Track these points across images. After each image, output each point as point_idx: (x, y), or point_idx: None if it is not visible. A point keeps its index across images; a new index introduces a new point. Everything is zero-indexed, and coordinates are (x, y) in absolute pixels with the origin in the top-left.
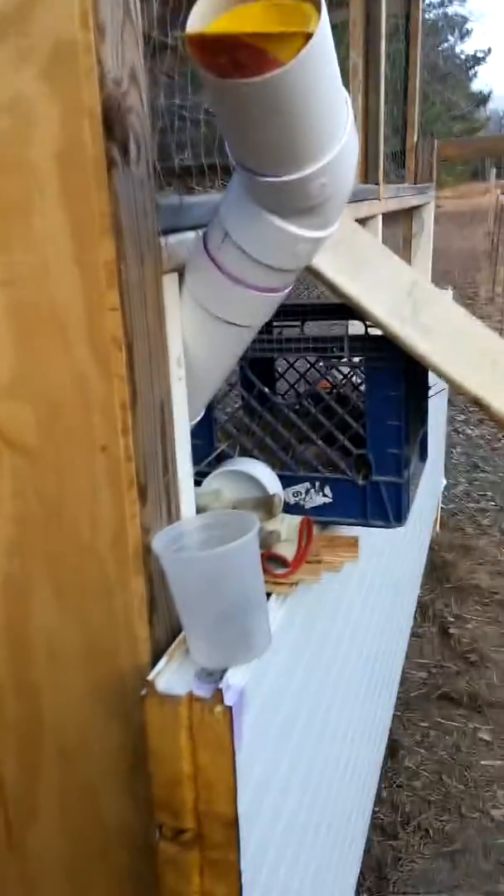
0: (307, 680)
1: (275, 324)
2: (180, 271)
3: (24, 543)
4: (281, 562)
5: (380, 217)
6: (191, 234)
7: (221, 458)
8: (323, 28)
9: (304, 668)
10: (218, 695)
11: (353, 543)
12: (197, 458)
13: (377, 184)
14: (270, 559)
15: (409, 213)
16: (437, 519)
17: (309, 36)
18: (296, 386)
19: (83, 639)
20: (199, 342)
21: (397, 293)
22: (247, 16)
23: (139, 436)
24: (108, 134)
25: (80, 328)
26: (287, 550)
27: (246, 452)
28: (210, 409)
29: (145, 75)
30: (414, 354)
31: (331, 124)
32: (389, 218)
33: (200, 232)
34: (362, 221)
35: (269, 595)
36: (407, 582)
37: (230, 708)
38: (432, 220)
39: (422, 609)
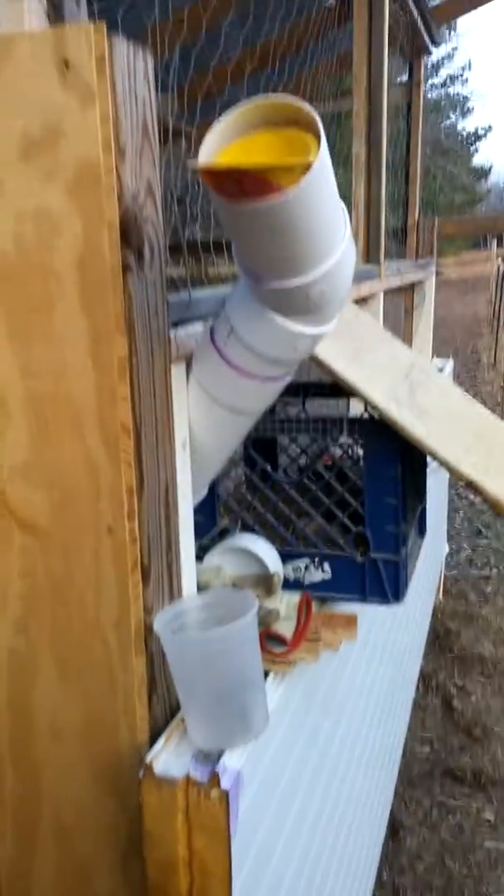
0: (305, 757)
1: (279, 400)
2: (188, 360)
3: (31, 621)
4: (279, 640)
5: (381, 294)
6: (198, 325)
7: (223, 533)
8: (322, 157)
9: (302, 745)
10: (214, 778)
11: (351, 621)
12: (199, 532)
13: (379, 263)
14: (269, 637)
15: (410, 286)
16: (439, 586)
17: (309, 165)
18: (297, 460)
19: (84, 716)
20: (205, 427)
21: (395, 376)
22: (254, 144)
23: (144, 519)
24: (124, 242)
25: (92, 417)
26: (286, 629)
27: (247, 527)
28: (213, 484)
29: (160, 187)
30: (409, 437)
31: (329, 237)
32: (392, 290)
33: (208, 323)
34: (365, 299)
35: (267, 674)
36: (409, 651)
37: (227, 792)
38: (433, 292)
39: (424, 679)
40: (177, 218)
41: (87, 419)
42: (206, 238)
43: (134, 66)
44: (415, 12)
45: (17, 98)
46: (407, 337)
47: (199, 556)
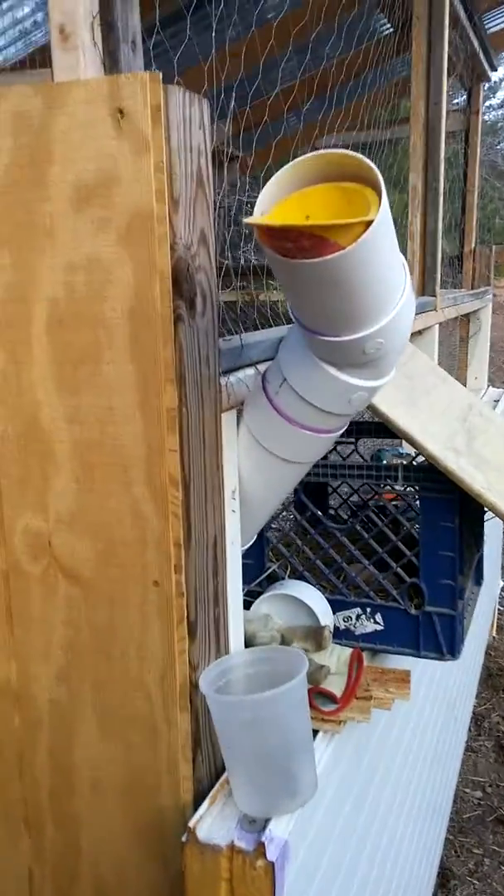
0: (353, 817)
1: None
2: (240, 406)
3: (73, 671)
4: (329, 698)
5: (436, 326)
6: (250, 371)
7: (272, 578)
8: (382, 214)
9: (351, 805)
10: (260, 848)
11: (404, 679)
12: (248, 577)
13: (434, 295)
14: (318, 695)
15: (466, 316)
16: (493, 623)
17: (368, 224)
18: (349, 502)
19: (125, 773)
20: (255, 476)
21: (452, 422)
22: (312, 197)
23: (191, 572)
24: (176, 292)
25: (140, 468)
26: (336, 685)
27: (297, 573)
28: (262, 530)
29: (215, 235)
30: (469, 490)
31: (388, 292)
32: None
33: (260, 370)
34: (420, 331)
35: (316, 733)
36: (461, 693)
37: (272, 863)
38: (489, 320)
39: (476, 721)
40: (228, 242)
41: (134, 469)
42: (260, 262)
43: (189, 114)
44: (474, 40)
45: (72, 147)
46: (462, 365)
47: (248, 603)
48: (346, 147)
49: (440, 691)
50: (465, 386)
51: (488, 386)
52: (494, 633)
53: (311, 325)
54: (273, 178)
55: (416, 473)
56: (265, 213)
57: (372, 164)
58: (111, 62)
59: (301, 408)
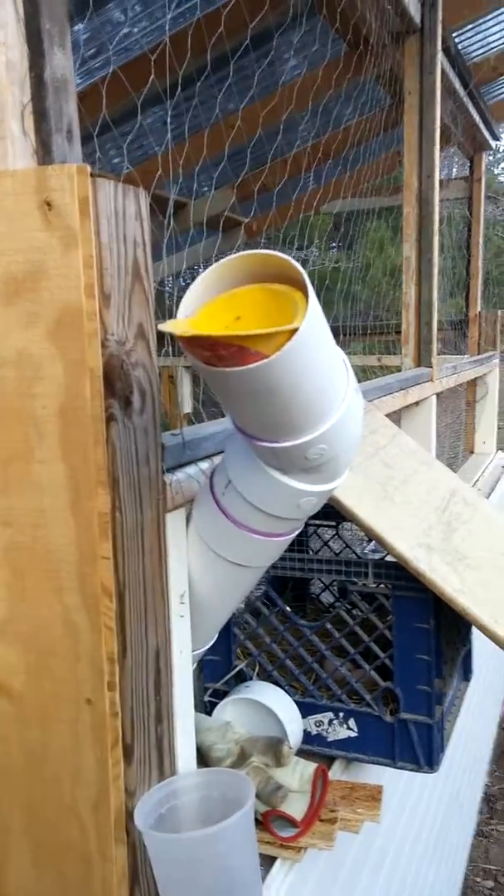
0: None
1: (309, 523)
2: (189, 504)
3: (3, 793)
4: (289, 821)
5: (433, 397)
6: (203, 465)
7: (240, 676)
8: (310, 318)
9: None
10: None
11: (374, 797)
12: (215, 674)
13: (430, 366)
14: (277, 818)
15: (472, 380)
16: None
17: (293, 332)
18: (332, 589)
19: None
20: (206, 579)
21: (429, 513)
22: (238, 299)
23: (128, 689)
24: (108, 391)
25: (71, 575)
26: (297, 805)
27: (265, 673)
28: (228, 624)
29: (154, 329)
30: (441, 595)
31: (326, 396)
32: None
33: (209, 466)
34: (416, 403)
35: (273, 860)
36: (469, 772)
37: None
38: (497, 384)
39: (489, 802)
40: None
41: (65, 577)
42: None
43: (123, 206)
44: (473, 112)
45: (1, 238)
46: (469, 430)
47: (213, 703)
48: (351, 212)
49: (440, 778)
50: (472, 450)
51: (497, 451)
52: None
53: (247, 430)
54: (199, 279)
55: (388, 570)
56: (190, 315)
57: (297, 266)
58: (44, 152)
59: (248, 511)
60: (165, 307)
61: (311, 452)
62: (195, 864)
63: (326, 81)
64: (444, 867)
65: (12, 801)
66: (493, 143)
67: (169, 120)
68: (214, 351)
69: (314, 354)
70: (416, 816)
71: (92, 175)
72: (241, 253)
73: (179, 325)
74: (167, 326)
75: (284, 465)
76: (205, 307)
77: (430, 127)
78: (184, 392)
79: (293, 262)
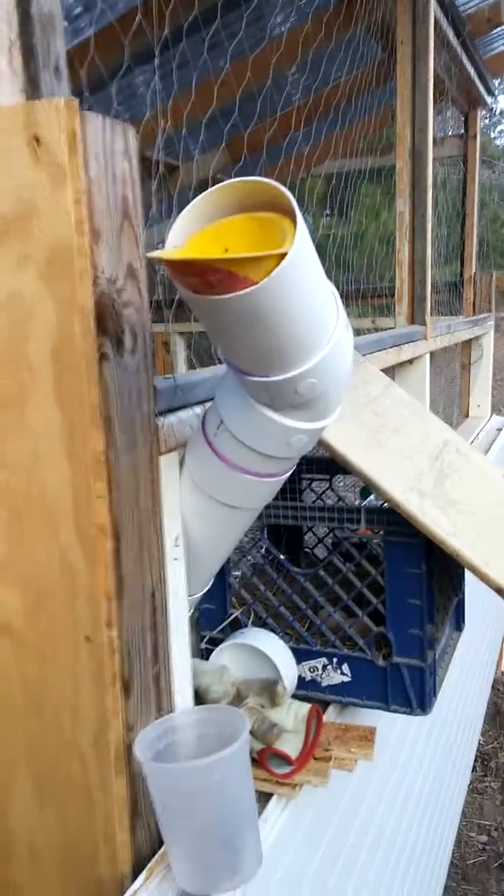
0: (322, 881)
1: (304, 476)
2: (182, 449)
3: (5, 731)
4: (284, 759)
5: (427, 356)
6: (196, 410)
7: (235, 624)
8: (299, 245)
9: (313, 878)
10: None
11: (367, 737)
12: (210, 622)
13: (424, 324)
14: (272, 756)
15: (467, 342)
16: (501, 655)
17: (282, 256)
18: (326, 542)
19: (63, 840)
20: (200, 522)
21: (421, 461)
22: (226, 229)
23: (125, 627)
24: (100, 330)
25: (67, 515)
26: (292, 744)
27: (260, 620)
28: (223, 573)
29: (145, 269)
30: (432, 537)
31: (315, 327)
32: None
33: (202, 411)
34: (410, 361)
35: (269, 797)
36: (463, 731)
37: None
38: (491, 346)
39: (483, 760)
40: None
41: (61, 517)
42: None
43: (112, 143)
44: (468, 66)
45: None
46: (464, 393)
47: (209, 649)
48: (343, 173)
49: (434, 731)
50: (467, 414)
51: (492, 414)
52: (503, 668)
53: (237, 365)
54: (186, 209)
55: (379, 516)
56: (179, 246)
57: (286, 192)
58: (32, 89)
59: (240, 451)
60: (158, 277)
61: (301, 386)
62: (193, 793)
63: (319, 32)
64: (437, 819)
65: (14, 738)
66: (488, 100)
67: (157, 79)
68: (203, 277)
69: (303, 281)
70: (410, 768)
71: (80, 109)
72: (229, 181)
73: (168, 251)
74: (156, 254)
75: (275, 401)
76: (192, 238)
77: (424, 79)
78: (178, 358)
79: (281, 187)
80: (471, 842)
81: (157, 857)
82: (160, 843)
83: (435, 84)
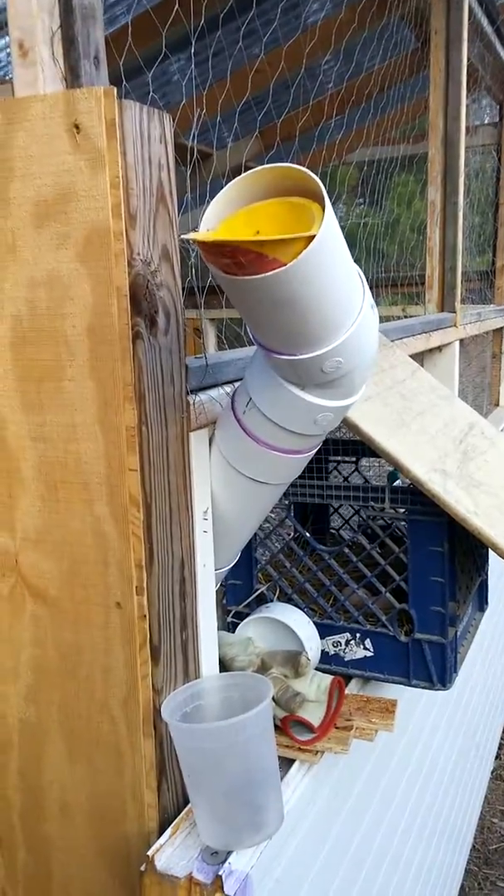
0: (336, 859)
1: (330, 459)
2: (213, 425)
3: (41, 692)
4: (307, 726)
5: (456, 343)
6: (226, 389)
7: (261, 600)
8: (327, 228)
9: (333, 845)
10: (218, 881)
11: (388, 709)
12: (236, 598)
13: (454, 311)
14: (295, 723)
15: (498, 331)
16: None
17: (310, 238)
18: (352, 522)
19: (93, 797)
20: (228, 496)
21: (446, 443)
22: (258, 213)
23: (154, 594)
24: (135, 309)
25: (101, 487)
26: (314, 713)
27: (285, 596)
28: (250, 549)
29: (178, 253)
30: (454, 515)
31: (341, 308)
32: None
33: (231, 390)
34: (439, 348)
35: (292, 763)
36: (487, 716)
37: None
38: None
39: None
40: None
41: (95, 488)
42: None
43: (148, 128)
44: (501, 52)
45: (31, 162)
46: (495, 383)
47: (235, 623)
48: (375, 161)
49: (456, 715)
50: (497, 403)
51: None
52: None
53: (266, 343)
54: (220, 194)
55: (403, 496)
56: (211, 229)
57: (315, 177)
58: (72, 77)
59: (268, 428)
60: (189, 264)
61: (327, 365)
62: (217, 754)
63: (353, 21)
64: (459, 800)
65: (49, 699)
66: None
67: (193, 66)
68: (234, 258)
69: (330, 263)
70: (432, 747)
71: (118, 98)
72: (260, 167)
73: (201, 233)
74: (190, 235)
75: (302, 379)
76: (225, 221)
77: (457, 67)
78: (208, 342)
79: (310, 173)
80: (493, 828)
81: (182, 814)
82: (185, 801)
83: (469, 73)
